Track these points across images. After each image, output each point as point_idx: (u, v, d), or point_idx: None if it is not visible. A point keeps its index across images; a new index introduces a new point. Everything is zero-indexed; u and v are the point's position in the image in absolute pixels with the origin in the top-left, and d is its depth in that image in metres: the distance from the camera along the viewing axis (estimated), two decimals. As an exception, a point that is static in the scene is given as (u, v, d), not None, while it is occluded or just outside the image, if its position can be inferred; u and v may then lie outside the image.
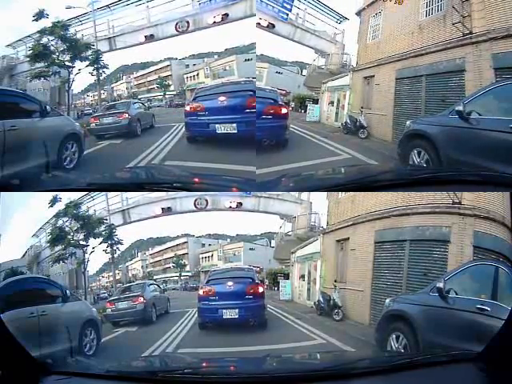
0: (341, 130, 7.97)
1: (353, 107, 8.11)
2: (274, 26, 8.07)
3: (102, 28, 8.37)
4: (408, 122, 6.04)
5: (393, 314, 5.34)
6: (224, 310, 6.79)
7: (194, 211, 8.30)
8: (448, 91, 6.59)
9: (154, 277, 9.30)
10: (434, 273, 5.98)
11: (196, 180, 5.67)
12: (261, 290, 7.09)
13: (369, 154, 6.78)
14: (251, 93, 7.02)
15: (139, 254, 9.35)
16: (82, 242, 7.92)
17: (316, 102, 8.54)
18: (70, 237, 7.82)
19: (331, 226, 7.94)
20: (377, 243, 6.90)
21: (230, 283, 7.11)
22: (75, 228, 7.84)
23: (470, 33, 6.42)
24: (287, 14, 8.19)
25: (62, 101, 8.49)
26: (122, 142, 7.63)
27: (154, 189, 5.49)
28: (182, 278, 9.41)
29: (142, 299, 7.70)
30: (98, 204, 8.14)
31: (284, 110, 7.15)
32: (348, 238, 7.46)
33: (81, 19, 8.13)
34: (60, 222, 7.71)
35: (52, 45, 7.88)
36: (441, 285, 4.98)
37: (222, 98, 7.09)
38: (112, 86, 9.13)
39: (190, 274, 9.43)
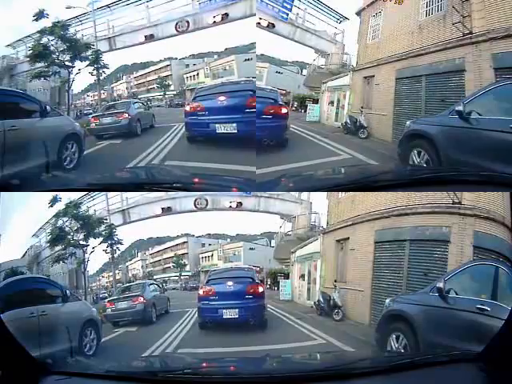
0: (341, 130, 7.98)
1: (353, 107, 8.11)
2: (274, 25, 8.07)
3: (101, 28, 8.39)
4: (408, 122, 6.04)
5: (393, 314, 5.34)
6: (224, 310, 6.79)
7: (194, 211, 8.31)
8: (448, 91, 6.59)
9: (154, 277, 9.31)
10: (434, 273, 5.98)
11: (196, 180, 5.66)
12: (261, 289, 7.09)
13: (369, 154, 6.78)
14: (251, 92, 7.02)
15: (139, 253, 9.35)
16: (81, 242, 7.92)
17: (316, 101, 8.55)
18: (69, 237, 7.82)
19: (331, 226, 7.95)
20: (377, 243, 6.90)
21: (229, 283, 7.11)
22: (75, 228, 7.85)
23: (470, 33, 6.42)
24: (287, 14, 8.19)
25: (61, 101, 8.50)
26: (121, 141, 7.63)
27: (153, 189, 5.47)
28: (181, 277, 9.42)
29: (141, 299, 7.69)
30: (97, 204, 8.15)
31: (284, 110, 7.15)
32: (348, 238, 7.46)
33: (81, 19, 8.14)
34: (60, 222, 7.72)
35: (52, 45, 7.89)
36: (441, 285, 4.98)
37: (222, 98, 7.09)
38: (112, 85, 9.14)
39: (189, 273, 9.43)
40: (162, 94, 9.26)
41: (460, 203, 6.02)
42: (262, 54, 7.92)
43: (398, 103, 7.42)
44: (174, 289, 9.32)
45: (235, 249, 9.10)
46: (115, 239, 8.21)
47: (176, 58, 9.11)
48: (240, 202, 8.18)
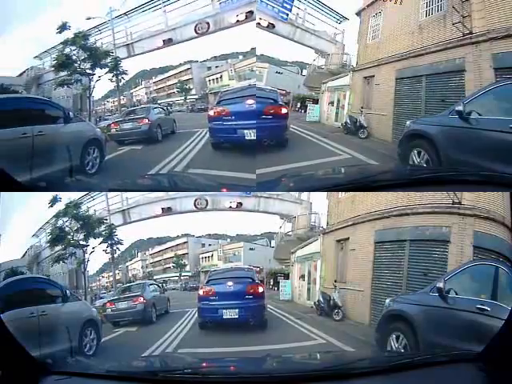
0: (341, 130, 7.99)
1: (353, 107, 8.11)
2: (274, 25, 8.07)
3: (120, 35, 8.52)
4: (408, 122, 6.04)
5: (393, 314, 5.34)
6: (224, 310, 6.79)
7: (194, 211, 8.31)
8: (448, 91, 6.59)
9: (154, 277, 9.32)
10: (434, 273, 5.98)
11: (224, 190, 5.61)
12: (261, 289, 7.09)
13: (369, 154, 6.78)
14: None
15: (139, 254, 9.36)
16: (82, 242, 7.93)
17: (316, 101, 8.55)
18: (69, 237, 7.83)
19: (331, 226, 7.95)
20: (377, 243, 6.90)
21: (229, 283, 7.11)
22: (75, 228, 7.86)
23: (470, 33, 6.43)
24: (287, 14, 8.19)
25: (83, 107, 8.69)
26: (142, 147, 7.55)
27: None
28: (181, 278, 9.42)
29: (141, 299, 7.70)
30: (97, 204, 8.16)
31: (284, 110, 7.14)
32: (348, 238, 7.46)
33: (100, 28, 8.34)
34: (60, 222, 7.73)
35: (74, 54, 8.19)
36: (441, 285, 4.97)
37: (250, 102, 6.79)
38: (131, 91, 9.21)
39: (190, 274, 9.44)
40: (182, 98, 9.23)
41: (460, 203, 6.02)
42: (262, 55, 7.92)
43: (398, 103, 7.42)
44: (173, 289, 9.33)
45: (235, 249, 9.11)
46: (115, 239, 8.23)
47: (197, 61, 9.06)
48: (240, 202, 8.19)
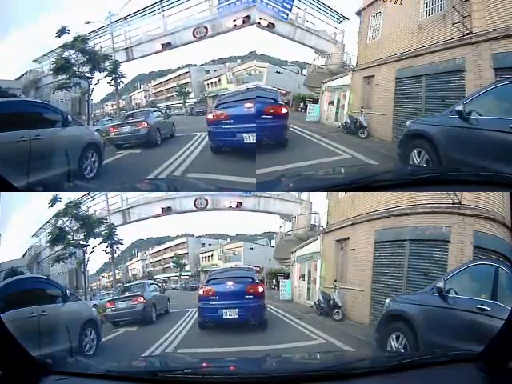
0: (341, 130, 7.98)
1: (353, 107, 8.10)
2: (274, 25, 8.06)
3: (119, 39, 8.52)
4: (408, 122, 6.04)
5: (393, 314, 5.34)
6: (224, 310, 6.79)
7: (194, 211, 8.31)
8: (448, 91, 6.59)
9: (154, 277, 9.31)
10: (434, 273, 5.98)
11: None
12: (261, 289, 7.09)
13: (369, 154, 6.78)
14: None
15: (139, 253, 9.36)
16: (82, 242, 7.94)
17: (316, 101, 8.54)
18: (69, 237, 7.83)
19: (331, 226, 7.95)
20: (377, 243, 6.90)
21: (229, 283, 7.11)
22: (75, 228, 7.86)
23: (470, 33, 6.43)
24: (287, 14, 8.18)
25: (82, 111, 8.69)
26: (141, 151, 7.51)
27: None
28: (181, 277, 9.42)
29: (141, 299, 7.70)
30: (97, 204, 8.16)
31: (284, 110, 7.14)
32: (348, 238, 7.46)
33: (99, 32, 8.36)
34: (60, 222, 7.73)
35: (73, 58, 8.18)
36: (441, 285, 4.97)
37: (248, 105, 6.76)
38: (130, 95, 9.20)
39: (189, 273, 9.44)
40: (181, 101, 9.24)
41: (460, 203, 6.02)
42: (262, 54, 7.92)
43: (398, 103, 7.42)
44: (174, 289, 9.33)
45: (235, 249, 9.11)
46: (115, 239, 8.23)
47: (195, 65, 9.07)
48: (240, 202, 8.18)
